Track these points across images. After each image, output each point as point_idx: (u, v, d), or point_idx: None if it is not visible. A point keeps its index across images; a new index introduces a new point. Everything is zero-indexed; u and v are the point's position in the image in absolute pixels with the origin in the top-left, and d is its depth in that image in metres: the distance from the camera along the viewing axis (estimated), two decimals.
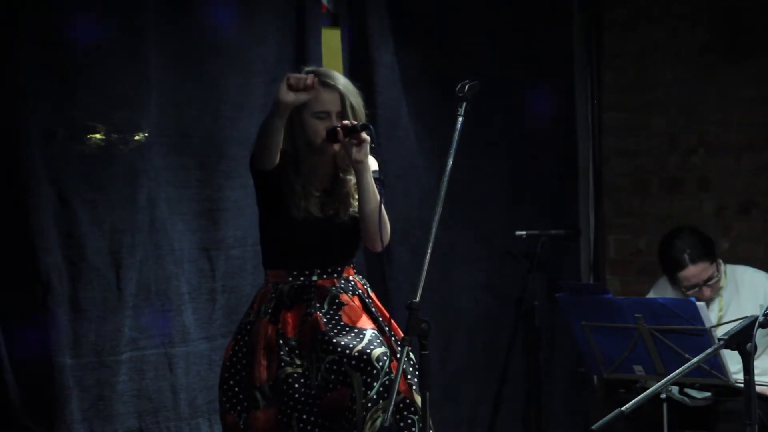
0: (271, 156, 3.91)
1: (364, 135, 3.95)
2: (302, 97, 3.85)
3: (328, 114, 4.00)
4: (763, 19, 5.98)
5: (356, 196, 4.04)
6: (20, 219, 4.42)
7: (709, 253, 5.23)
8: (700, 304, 4.68)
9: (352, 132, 3.95)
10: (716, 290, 5.25)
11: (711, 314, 5.18)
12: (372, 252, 4.29)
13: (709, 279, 5.20)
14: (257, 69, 5.07)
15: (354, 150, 3.95)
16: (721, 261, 5.33)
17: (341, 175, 4.07)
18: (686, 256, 5.20)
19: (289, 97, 3.84)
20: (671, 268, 5.25)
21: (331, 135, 3.97)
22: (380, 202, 3.99)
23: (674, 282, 5.27)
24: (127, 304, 4.66)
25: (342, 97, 4.00)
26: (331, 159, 4.05)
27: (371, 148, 4.00)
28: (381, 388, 3.90)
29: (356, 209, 4.04)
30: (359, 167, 3.97)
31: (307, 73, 4.00)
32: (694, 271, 5.18)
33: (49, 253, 4.44)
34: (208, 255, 4.95)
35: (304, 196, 4.00)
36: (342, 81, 4.05)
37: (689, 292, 5.17)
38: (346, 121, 3.96)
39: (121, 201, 4.66)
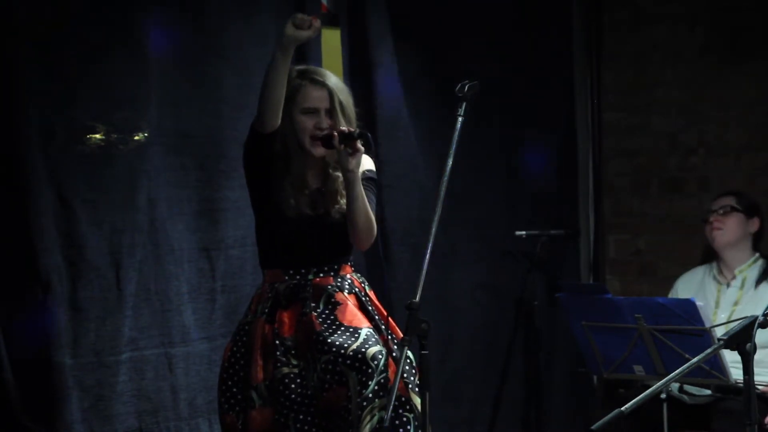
0: (273, 107, 3.89)
1: (359, 145, 3.94)
2: (304, 34, 3.83)
3: (317, 110, 4.00)
4: (763, 19, 5.98)
5: (344, 194, 4.04)
6: (20, 219, 4.41)
7: (741, 199, 5.40)
8: (700, 304, 4.68)
9: (348, 139, 3.93)
10: (723, 235, 5.34)
11: (730, 295, 5.25)
12: (372, 252, 4.29)
13: (723, 208, 5.36)
14: (257, 69, 5.06)
15: (346, 159, 3.94)
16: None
17: (330, 171, 4.06)
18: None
19: (290, 30, 3.83)
20: None
21: (327, 140, 3.96)
22: (369, 208, 4.01)
23: None
24: (126, 304, 4.66)
25: (330, 94, 4.00)
26: (320, 158, 4.05)
27: (369, 155, 4.01)
28: (376, 387, 3.91)
29: (344, 207, 4.04)
30: (350, 176, 3.95)
31: (298, 71, 4.02)
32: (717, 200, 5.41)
33: (49, 253, 4.44)
34: (208, 255, 4.95)
35: (294, 194, 4.01)
36: (332, 79, 4.05)
37: (707, 226, 5.38)
38: (343, 128, 3.96)
39: (121, 201, 4.66)
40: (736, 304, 5.27)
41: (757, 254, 5.38)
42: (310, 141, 4.00)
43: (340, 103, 4.01)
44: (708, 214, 5.38)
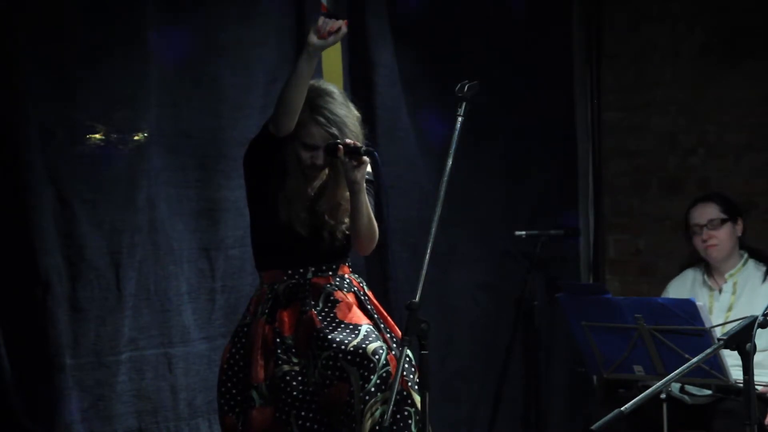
0: (291, 112, 3.89)
1: (364, 158, 3.94)
2: (329, 41, 3.82)
3: (316, 147, 4.00)
4: (763, 20, 5.98)
5: (343, 220, 4.04)
6: (20, 219, 4.41)
7: (724, 205, 5.33)
8: (700, 304, 4.68)
9: (354, 153, 3.94)
10: (720, 250, 5.29)
11: (723, 301, 5.22)
12: (371, 252, 4.29)
13: (712, 222, 5.28)
14: (257, 69, 5.07)
15: (351, 171, 3.95)
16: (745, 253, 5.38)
17: (326, 217, 4.05)
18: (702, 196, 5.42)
19: (313, 39, 3.82)
20: (688, 208, 5.41)
21: (331, 151, 3.96)
22: (373, 216, 4.02)
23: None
24: (126, 304, 4.66)
25: (332, 138, 3.99)
26: (317, 178, 4.05)
27: (374, 174, 4.02)
28: (378, 381, 3.91)
29: (344, 229, 4.05)
30: (355, 188, 3.97)
31: (310, 102, 3.98)
32: (700, 211, 5.32)
33: (49, 253, 4.44)
34: (208, 255, 4.95)
35: (288, 209, 4.01)
36: (338, 114, 3.99)
37: (695, 239, 5.31)
38: (349, 140, 3.96)
39: (121, 201, 4.66)
40: (729, 309, 5.26)
41: (745, 255, 5.36)
42: (308, 169, 4.02)
43: None
44: (695, 228, 5.32)
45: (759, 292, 5.24)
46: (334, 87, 4.10)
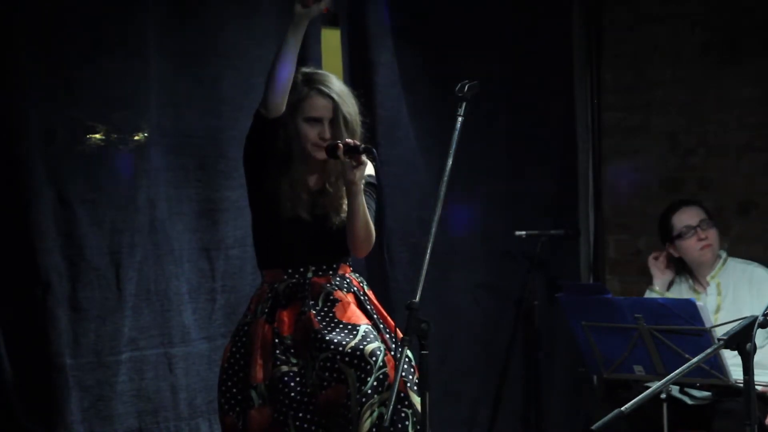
0: (280, 87, 3.88)
1: (363, 158, 3.94)
2: (313, 10, 3.83)
3: (320, 120, 4.00)
4: (763, 19, 5.98)
5: (345, 204, 4.04)
6: (20, 219, 4.41)
7: (706, 209, 5.37)
8: (700, 304, 4.68)
9: (353, 152, 3.94)
10: (713, 250, 5.31)
11: (710, 303, 5.23)
12: (372, 252, 4.29)
13: (704, 222, 5.32)
14: (257, 69, 5.07)
15: (350, 171, 3.94)
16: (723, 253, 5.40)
17: (328, 187, 4.06)
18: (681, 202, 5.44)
19: (298, 8, 3.83)
20: (667, 214, 5.40)
21: (331, 150, 3.96)
22: (369, 218, 4.00)
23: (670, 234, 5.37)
24: (126, 304, 4.66)
25: (335, 107, 4.00)
26: (322, 163, 4.05)
27: (375, 169, 4.01)
28: (375, 383, 3.91)
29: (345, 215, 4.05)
30: (352, 188, 3.96)
31: (305, 77, 4.00)
32: (688, 213, 5.34)
33: (49, 253, 4.44)
34: (208, 255, 4.95)
35: (292, 197, 4.01)
36: (337, 89, 4.04)
37: (687, 241, 5.28)
38: (348, 140, 3.96)
39: (121, 201, 4.66)
40: (717, 311, 5.27)
41: (724, 254, 5.38)
42: (313, 147, 4.01)
43: (344, 117, 4.00)
44: (685, 230, 5.33)
45: (743, 285, 5.26)
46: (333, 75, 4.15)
